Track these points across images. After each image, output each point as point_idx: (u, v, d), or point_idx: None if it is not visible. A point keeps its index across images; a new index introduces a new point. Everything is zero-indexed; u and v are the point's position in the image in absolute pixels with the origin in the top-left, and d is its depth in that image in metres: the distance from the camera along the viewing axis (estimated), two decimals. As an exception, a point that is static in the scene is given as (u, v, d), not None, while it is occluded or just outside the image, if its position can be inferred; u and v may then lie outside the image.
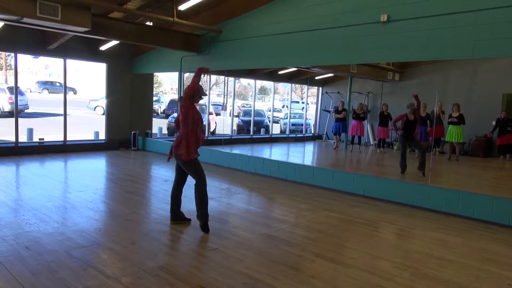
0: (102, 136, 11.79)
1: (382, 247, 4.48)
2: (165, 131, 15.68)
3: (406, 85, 14.69)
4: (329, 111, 16.14)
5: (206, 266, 3.58)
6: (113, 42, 10.16)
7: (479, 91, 13.04)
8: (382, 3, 6.52)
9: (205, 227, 4.49)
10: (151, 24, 9.08)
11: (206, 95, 4.87)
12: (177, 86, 12.66)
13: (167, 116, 21.24)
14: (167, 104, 25.89)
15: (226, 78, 15.40)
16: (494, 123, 12.08)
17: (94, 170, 8.35)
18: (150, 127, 12.38)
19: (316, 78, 16.24)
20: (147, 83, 12.22)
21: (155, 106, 22.83)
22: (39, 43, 9.45)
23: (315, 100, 18.41)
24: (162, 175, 8.09)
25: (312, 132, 18.19)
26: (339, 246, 4.38)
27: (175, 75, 28.33)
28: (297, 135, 17.08)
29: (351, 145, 13.24)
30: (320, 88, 17.52)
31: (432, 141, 12.07)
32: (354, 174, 7.28)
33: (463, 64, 13.25)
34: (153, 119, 12.96)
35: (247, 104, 27.08)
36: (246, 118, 17.58)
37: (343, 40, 7.04)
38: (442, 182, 8.03)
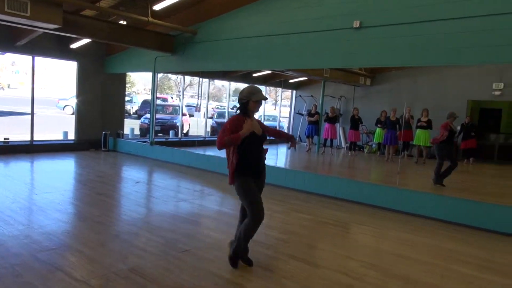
0: (71, 136, 11.47)
1: (352, 247, 4.59)
2: (137, 132, 15.43)
3: (377, 90, 15.08)
4: (302, 114, 16.33)
5: (177, 267, 3.55)
6: (85, 40, 9.93)
7: (445, 97, 13.53)
8: (355, 9, 6.68)
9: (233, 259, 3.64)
10: (124, 23, 8.94)
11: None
12: (150, 87, 12.50)
13: (139, 117, 20.90)
14: (139, 105, 25.48)
15: (201, 79, 15.34)
16: (459, 128, 12.55)
17: (62, 171, 8.12)
18: (122, 128, 12.15)
19: (290, 81, 16.41)
20: (120, 83, 12.00)
21: (127, 107, 22.43)
22: (7, 39, 9.12)
23: (289, 103, 18.58)
24: (134, 177, 7.96)
25: (286, 134, 18.32)
26: (311, 247, 4.45)
27: (148, 75, 27.93)
28: (270, 138, 17.16)
29: (323, 147, 13.44)
30: (294, 91, 17.71)
31: (401, 144, 12.43)
32: (326, 176, 7.40)
33: (430, 71, 13.73)
34: (125, 119, 12.74)
35: (221, 106, 27.02)
36: (220, 120, 17.55)
37: (317, 44, 7.17)
38: (411, 185, 8.28)
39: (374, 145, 14.49)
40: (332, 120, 13.12)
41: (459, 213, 5.66)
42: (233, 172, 3.47)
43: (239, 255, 3.60)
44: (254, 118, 3.59)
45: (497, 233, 5.27)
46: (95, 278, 3.24)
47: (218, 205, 6.19)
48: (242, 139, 3.36)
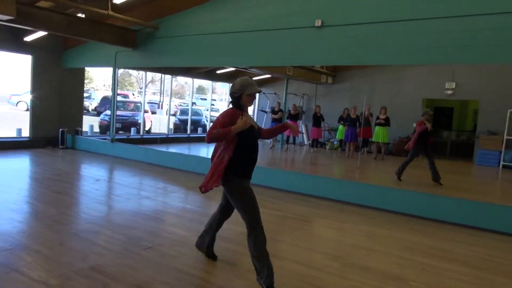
0: (25, 133, 10.96)
1: (314, 240, 4.71)
2: (96, 129, 14.98)
3: (338, 88, 15.47)
4: (266, 112, 16.46)
5: (140, 264, 3.51)
6: (40, 33, 9.51)
7: (402, 95, 14.10)
8: (317, 8, 6.82)
9: None
10: (83, 16, 8.64)
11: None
12: (110, 83, 12.16)
13: (99, 114, 20.27)
14: (99, 101, 24.70)
15: (163, 75, 15.09)
16: (414, 125, 13.11)
17: (16, 169, 7.75)
18: (81, 125, 11.75)
19: (254, 78, 16.47)
20: (78, 78, 11.58)
21: (86, 103, 21.68)
22: (-48, 30, 8.58)
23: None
24: (93, 175, 7.74)
25: (249, 132, 18.42)
26: (274, 241, 4.51)
27: (107, 70, 27.09)
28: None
29: (287, 144, 13.63)
30: (258, 89, 17.80)
31: (360, 141, 12.83)
32: (289, 172, 7.53)
33: (388, 71, 14.25)
34: (84, 116, 12.32)
35: (184, 103, 26.71)
36: (183, 117, 17.35)
37: (279, 42, 7.26)
38: (370, 179, 8.58)
39: (335, 142, 14.86)
40: (294, 117, 13.32)
41: (415, 205, 5.93)
42: (221, 170, 3.10)
43: (267, 275, 3.04)
44: (247, 113, 3.33)
45: (451, 224, 5.58)
46: (53, 277, 3.14)
47: (182, 202, 6.14)
48: (238, 134, 3.08)
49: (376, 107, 12.82)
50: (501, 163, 11.88)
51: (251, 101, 3.22)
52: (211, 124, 3.38)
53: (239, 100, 3.18)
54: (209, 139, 3.11)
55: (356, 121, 12.26)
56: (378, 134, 12.17)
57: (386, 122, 12.05)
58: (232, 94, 3.21)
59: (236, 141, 3.12)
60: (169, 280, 3.23)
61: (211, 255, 3.66)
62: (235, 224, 5.02)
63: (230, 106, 3.30)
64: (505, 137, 11.80)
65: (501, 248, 4.73)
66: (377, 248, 4.45)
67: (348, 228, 5.23)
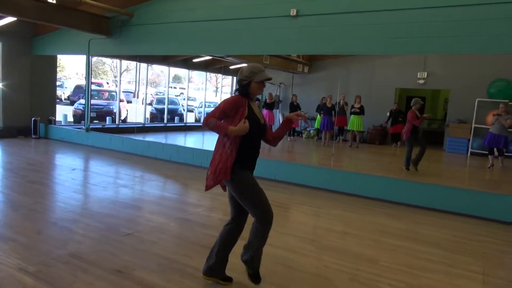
0: (-4, 122, 10.65)
1: (290, 225, 4.85)
2: (70, 118, 14.67)
3: (314, 77, 15.65)
4: (243, 101, 16.48)
5: (120, 250, 3.55)
6: (9, 19, 9.20)
7: (376, 85, 14.41)
8: (292, -2, 6.89)
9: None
10: (54, 1, 8.41)
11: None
12: (83, 71, 11.91)
13: (72, 103, 19.81)
14: (72, 90, 24.11)
15: (138, 64, 14.87)
16: (388, 114, 13.47)
17: (-12, 159, 7.57)
18: (54, 114, 11.50)
19: (231, 67, 16.46)
20: (50, 66, 11.30)
21: (58, 92, 21.12)
22: None
23: (230, 90, 18.65)
24: (69, 164, 7.64)
25: (227, 121, 18.45)
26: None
27: (80, 58, 26.42)
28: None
29: (264, 133, 13.74)
30: (235, 78, 17.79)
31: (336, 129, 13.08)
32: (265, 160, 7.63)
33: (362, 60, 14.51)
34: (57, 105, 12.05)
35: (160, 92, 26.40)
36: (159, 106, 17.19)
37: (256, 31, 7.30)
38: (344, 167, 8.80)
39: (312, 131, 15.09)
40: (270, 106, 13.41)
41: (387, 191, 6.17)
42: (230, 165, 2.82)
43: (255, 267, 2.99)
44: (255, 102, 3.01)
45: (421, 207, 5.84)
46: (32, 265, 3.15)
47: (160, 190, 6.17)
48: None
49: (351, 96, 13.07)
50: (469, 150, 12.37)
51: (260, 89, 2.92)
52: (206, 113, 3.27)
53: (247, 87, 2.88)
54: (205, 125, 2.81)
55: (332, 110, 12.47)
56: (353, 122, 12.44)
57: (361, 111, 12.32)
58: (239, 81, 2.91)
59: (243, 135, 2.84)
60: (149, 264, 3.30)
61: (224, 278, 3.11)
62: (214, 211, 5.13)
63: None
64: (473, 125, 12.28)
65: (466, 229, 5.00)
66: (351, 232, 4.63)
67: (323, 213, 5.40)
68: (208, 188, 2.96)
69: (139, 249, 3.62)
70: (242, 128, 2.77)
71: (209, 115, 2.82)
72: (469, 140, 12.42)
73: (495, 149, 9.46)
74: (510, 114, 9.22)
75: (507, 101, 10.39)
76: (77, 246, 3.60)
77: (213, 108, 2.99)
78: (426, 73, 13.50)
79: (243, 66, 2.95)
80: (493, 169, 9.40)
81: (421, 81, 13.66)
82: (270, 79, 2.94)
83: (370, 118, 13.60)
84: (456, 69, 12.88)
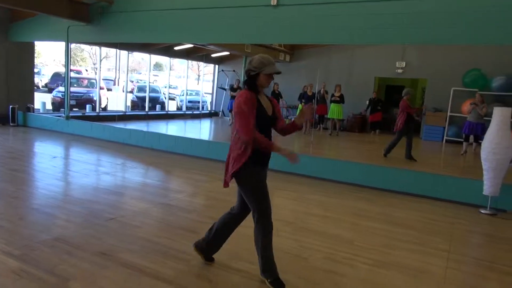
0: (-28, 110, 10.44)
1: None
2: (49, 106, 14.44)
3: (295, 66, 15.78)
4: (225, 89, 16.54)
5: (104, 234, 3.65)
6: (-16, 4, 8.97)
7: (356, 74, 14.66)
8: (273, -14, 6.95)
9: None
10: (31, -13, 8.26)
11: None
12: (60, 58, 11.72)
13: (50, 90, 19.44)
14: (50, 77, 23.60)
15: (118, 51, 14.70)
16: (367, 102, 13.76)
17: (-35, 147, 7.47)
18: (32, 102, 11.33)
19: (212, 55, 16.43)
20: (28, 53, 11.09)
21: (36, 79, 20.67)
22: None
23: (212, 78, 18.62)
24: (49, 152, 7.60)
25: (209, 109, 18.46)
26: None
27: (57, 45, 25.73)
28: (194, 112, 17.20)
29: (246, 121, 13.84)
30: (216, 66, 17.78)
31: (317, 118, 13.29)
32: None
33: (342, 49, 14.70)
34: (35, 93, 11.86)
35: (141, 80, 26.10)
36: (140, 94, 17.07)
37: (237, 19, 7.35)
38: (324, 154, 9.02)
39: (293, 119, 15.25)
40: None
41: (363, 176, 6.39)
42: (244, 161, 2.78)
43: (272, 271, 2.89)
44: (264, 94, 2.95)
45: (396, 192, 6.09)
46: (17, 248, 3.22)
47: (141, 177, 6.24)
48: (258, 121, 2.76)
49: (331, 85, 13.28)
50: (445, 138, 12.79)
51: (268, 81, 2.84)
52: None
53: (255, 79, 2.81)
54: (251, 139, 2.72)
55: (312, 98, 12.65)
56: (333, 111, 12.66)
57: (341, 100, 12.55)
58: (248, 71, 2.84)
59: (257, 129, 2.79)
60: (133, 247, 3.41)
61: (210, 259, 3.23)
62: (196, 197, 5.25)
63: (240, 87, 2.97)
64: (449, 113, 12.67)
65: (437, 212, 5.27)
66: (329, 215, 4.83)
67: (302, 198, 5.58)
68: (226, 184, 2.97)
69: (123, 233, 3.72)
70: (291, 156, 2.80)
71: (246, 127, 2.70)
72: (444, 128, 12.82)
73: (471, 137, 9.82)
74: (485, 103, 9.58)
75: (477, 90, 10.75)
76: (61, 230, 3.68)
77: (238, 117, 2.76)
78: (404, 63, 13.80)
79: (254, 56, 2.89)
80: (466, 155, 9.78)
81: (400, 70, 13.95)
82: (279, 72, 2.86)
83: (350, 107, 13.87)
84: (433, 59, 13.21)
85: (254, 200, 2.85)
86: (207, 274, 3.02)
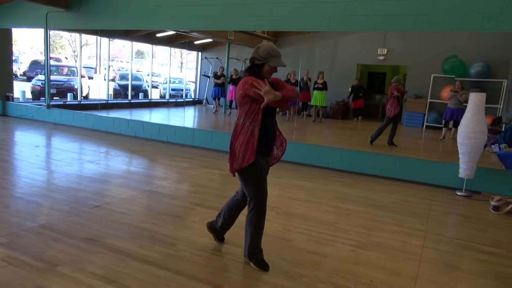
0: None
1: (255, 195, 5.11)
2: (29, 95, 14.16)
3: (279, 53, 15.77)
4: (208, 76, 16.47)
5: (90, 221, 3.68)
6: (-43, -11, 8.70)
7: (339, 61, 14.78)
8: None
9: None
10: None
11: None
12: (38, 45, 11.46)
13: (28, 79, 19.01)
14: (28, 65, 23.05)
15: (99, 38, 14.44)
16: (350, 89, 13.92)
17: None
18: (11, 90, 11.09)
19: (196, 43, 16.29)
20: (4, 40, 10.80)
21: (13, 67, 20.15)
22: None
23: (195, 65, 18.49)
24: (31, 141, 7.51)
25: (192, 97, 18.37)
26: (218, 196, 4.86)
27: (33, 32, 25.05)
28: (177, 100, 17.10)
29: (230, 109, 13.87)
30: (200, 53, 17.65)
31: (300, 105, 13.41)
32: (231, 134, 7.84)
33: (325, 37, 14.78)
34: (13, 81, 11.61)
35: (123, 68, 25.72)
36: (123, 82, 16.86)
37: (220, 6, 7.32)
38: (307, 140, 9.15)
39: (276, 106, 15.34)
40: (236, 82, 13.48)
41: (345, 162, 6.55)
42: (255, 145, 2.76)
43: (257, 254, 3.00)
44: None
45: (376, 176, 6.27)
46: (3, 236, 3.23)
47: (126, 165, 6.25)
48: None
49: (314, 72, 13.37)
50: (425, 124, 13.08)
51: (271, 74, 2.83)
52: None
53: (260, 68, 2.79)
54: (291, 98, 2.78)
55: (296, 85, 12.73)
56: (316, 98, 12.79)
57: (324, 87, 12.67)
58: (253, 59, 2.80)
59: (262, 112, 2.76)
60: (119, 233, 3.46)
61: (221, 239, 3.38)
62: (181, 183, 5.31)
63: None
64: (429, 100, 12.95)
65: (415, 194, 5.46)
66: (311, 199, 4.95)
67: (285, 183, 5.70)
68: (233, 172, 2.92)
69: (109, 220, 3.76)
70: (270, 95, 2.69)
71: (273, 92, 2.66)
72: (424, 114, 13.11)
73: (450, 122, 10.08)
74: (465, 90, 9.83)
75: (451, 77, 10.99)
76: (47, 218, 3.70)
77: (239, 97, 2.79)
78: (386, 50, 13.98)
79: (260, 44, 2.82)
80: (445, 141, 10.06)
81: (381, 57, 14.13)
82: (285, 65, 2.82)
83: (333, 94, 14.01)
84: (413, 46, 13.42)
85: (253, 191, 2.90)
86: (194, 257, 3.10)
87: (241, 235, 3.59)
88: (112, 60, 32.05)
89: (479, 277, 3.12)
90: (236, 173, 2.92)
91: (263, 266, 2.96)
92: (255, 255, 2.99)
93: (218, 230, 3.31)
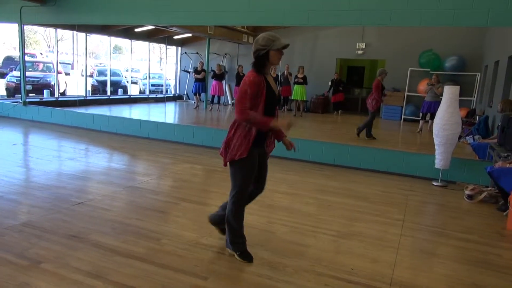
0: None
1: (237, 189, 5.17)
2: (3, 91, 13.80)
3: (259, 48, 15.80)
4: (188, 72, 16.37)
5: (73, 218, 3.67)
6: None
7: (318, 55, 14.91)
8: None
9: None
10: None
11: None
12: (11, 41, 11.17)
13: (2, 75, 18.46)
14: (1, 61, 22.36)
15: (75, 33, 14.16)
16: (329, 83, 14.09)
17: None
18: (-15, 87, 10.79)
19: (175, 37, 16.15)
20: (-23, 35, 10.47)
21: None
22: None
23: (175, 60, 18.33)
24: (8, 139, 7.35)
25: (173, 92, 18.23)
26: (202, 191, 4.90)
27: (5, 27, 24.31)
28: (158, 96, 16.94)
29: (211, 104, 13.84)
30: (179, 48, 17.51)
31: (281, 99, 13.48)
32: (213, 129, 7.85)
33: (305, 31, 14.87)
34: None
35: (101, 63, 25.26)
36: (101, 78, 16.59)
37: (199, 1, 7.28)
38: (289, 134, 9.22)
39: (257, 101, 15.38)
40: (219, 77, 13.48)
41: (326, 155, 6.67)
42: (250, 142, 2.85)
43: (239, 244, 3.05)
44: (270, 74, 2.96)
45: (355, 168, 6.41)
46: (-16, 235, 3.20)
47: (107, 162, 6.21)
48: (266, 102, 2.81)
49: (294, 67, 13.47)
50: (403, 116, 13.37)
51: (279, 57, 2.82)
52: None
53: (266, 58, 2.80)
54: (244, 119, 2.76)
55: (277, 80, 12.81)
56: (297, 92, 12.90)
57: (304, 81, 12.78)
58: (256, 51, 2.81)
59: (263, 109, 2.83)
60: (103, 229, 3.46)
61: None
62: (164, 179, 5.32)
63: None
64: (406, 93, 13.23)
65: (393, 185, 5.62)
66: (293, 192, 5.05)
67: (269, 177, 5.74)
68: (225, 164, 3.01)
69: (92, 216, 3.75)
70: (285, 125, 2.86)
71: (241, 107, 2.73)
72: (402, 107, 13.39)
73: (427, 115, 10.33)
74: (441, 83, 10.10)
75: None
76: (28, 216, 3.66)
77: (238, 96, 2.83)
78: (364, 44, 14.18)
79: (257, 37, 2.84)
80: (422, 133, 10.33)
81: (360, 52, 14.33)
82: (288, 45, 2.81)
83: (313, 88, 14.15)
84: (391, 40, 13.66)
85: (239, 182, 2.97)
86: (178, 250, 3.14)
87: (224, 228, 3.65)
88: (90, 57, 31.43)
89: (454, 262, 3.27)
90: (230, 165, 2.98)
91: (247, 257, 3.03)
92: (236, 244, 3.04)
93: (221, 222, 3.24)
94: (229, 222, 3.05)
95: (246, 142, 2.85)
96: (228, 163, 2.98)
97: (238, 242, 3.05)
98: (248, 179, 3.00)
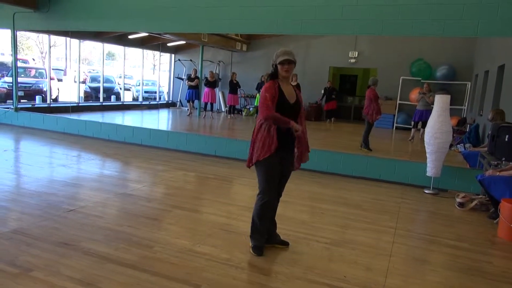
0: None
1: (231, 196, 5.17)
2: (-5, 98, 13.66)
3: (252, 56, 15.91)
4: (182, 79, 16.38)
5: (64, 225, 3.63)
6: None
7: (312, 63, 15.02)
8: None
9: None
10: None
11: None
12: (1, 46, 11.13)
13: (-6, 81, 18.30)
14: (-8, 67, 22.18)
15: (68, 39, 14.12)
16: (322, 91, 14.19)
17: None
18: (-24, 93, 10.70)
19: (169, 45, 16.19)
20: (-32, 41, 10.41)
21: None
22: None
23: (168, 68, 18.35)
24: (-1, 145, 7.29)
25: (166, 99, 18.22)
26: (195, 198, 4.89)
27: None
28: (151, 103, 16.92)
29: (204, 111, 13.84)
30: (173, 55, 17.54)
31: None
32: (207, 136, 7.86)
33: (298, 39, 14.99)
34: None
35: (94, 70, 25.17)
36: (94, 85, 16.54)
37: (189, 9, 7.31)
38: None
39: (251, 108, 15.44)
40: (212, 84, 13.49)
41: (319, 162, 6.68)
42: (272, 144, 3.15)
43: (257, 239, 3.33)
44: (291, 84, 3.33)
45: (348, 176, 6.44)
46: (-27, 243, 3.16)
47: (99, 168, 6.17)
48: (278, 106, 3.12)
49: (288, 75, 13.52)
50: (395, 125, 13.48)
51: (284, 70, 3.17)
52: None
53: (276, 70, 3.22)
54: (267, 116, 3.07)
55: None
56: (290, 100, 12.93)
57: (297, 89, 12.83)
58: (272, 65, 3.28)
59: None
60: (95, 237, 3.44)
61: (279, 242, 3.53)
62: (157, 186, 5.30)
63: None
64: (398, 101, 13.36)
65: (386, 193, 5.66)
66: (286, 199, 5.00)
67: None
68: (249, 165, 3.35)
69: (84, 223, 3.72)
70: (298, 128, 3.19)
71: (264, 109, 3.08)
72: (394, 115, 13.51)
73: (419, 123, 10.42)
74: (432, 92, 10.22)
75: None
76: (19, 223, 3.62)
77: (260, 101, 3.20)
78: (356, 53, 14.33)
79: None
80: (413, 141, 10.42)
81: (353, 60, 14.48)
82: (287, 59, 3.14)
83: (306, 96, 14.19)
84: (383, 49, 13.82)
85: (262, 183, 3.28)
86: (171, 258, 3.12)
87: (217, 236, 3.65)
88: (83, 63, 31.39)
89: (445, 270, 3.29)
90: (255, 166, 3.29)
91: (257, 251, 3.29)
92: (254, 239, 3.33)
93: (254, 235, 3.37)
94: (253, 219, 3.33)
95: (267, 144, 3.15)
96: (255, 166, 3.28)
97: (256, 238, 3.33)
98: (270, 180, 3.25)
